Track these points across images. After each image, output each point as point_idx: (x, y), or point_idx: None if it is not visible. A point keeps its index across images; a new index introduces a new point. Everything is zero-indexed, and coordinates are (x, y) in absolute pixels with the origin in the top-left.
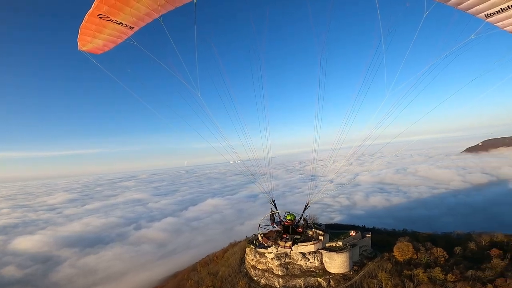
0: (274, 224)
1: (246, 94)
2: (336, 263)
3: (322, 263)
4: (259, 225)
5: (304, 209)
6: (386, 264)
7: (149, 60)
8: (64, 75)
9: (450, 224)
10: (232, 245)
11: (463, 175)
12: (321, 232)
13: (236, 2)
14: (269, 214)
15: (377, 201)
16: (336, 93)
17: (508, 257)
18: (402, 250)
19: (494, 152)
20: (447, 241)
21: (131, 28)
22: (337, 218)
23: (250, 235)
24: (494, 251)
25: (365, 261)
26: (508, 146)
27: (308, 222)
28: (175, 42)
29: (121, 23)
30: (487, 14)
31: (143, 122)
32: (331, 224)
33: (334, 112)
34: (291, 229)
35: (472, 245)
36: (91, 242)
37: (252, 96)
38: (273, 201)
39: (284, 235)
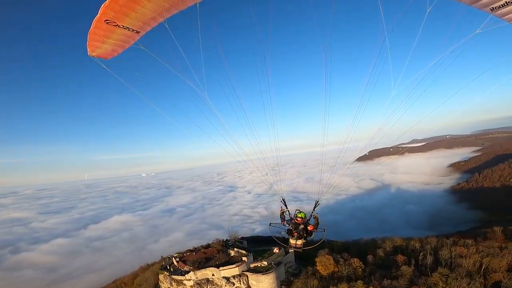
0: (285, 222)
1: (251, 94)
2: (264, 285)
3: (249, 286)
4: (270, 223)
5: (314, 207)
6: (312, 280)
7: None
8: None
9: (353, 229)
10: (144, 268)
11: (357, 181)
12: (244, 252)
13: (239, 2)
14: (279, 212)
15: (292, 209)
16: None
17: (413, 262)
18: (324, 264)
19: (378, 160)
20: (358, 249)
21: (137, 32)
22: (258, 229)
23: (166, 254)
24: (400, 258)
25: (291, 278)
26: (388, 155)
27: (319, 220)
28: (181, 44)
29: (128, 28)
30: (493, 7)
31: (27, 129)
32: (253, 237)
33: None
34: (302, 227)
35: (380, 252)
36: None
37: (258, 95)
38: (283, 199)
39: (295, 233)
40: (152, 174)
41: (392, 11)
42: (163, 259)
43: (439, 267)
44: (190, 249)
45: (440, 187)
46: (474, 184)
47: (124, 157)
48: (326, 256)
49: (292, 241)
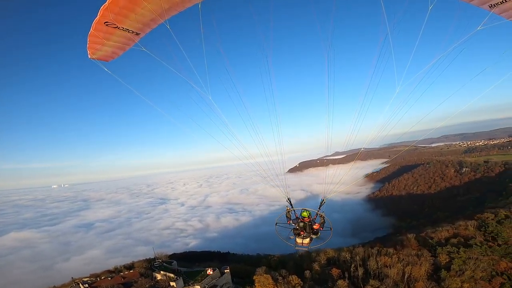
0: (291, 222)
1: (255, 94)
2: None
3: None
4: (276, 223)
5: (320, 205)
6: None
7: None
8: None
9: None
10: None
11: (289, 192)
12: (172, 276)
13: (240, 2)
14: (285, 211)
15: (228, 221)
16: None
17: (346, 275)
18: (263, 284)
19: (307, 172)
20: (295, 263)
21: (137, 34)
22: (192, 243)
23: (79, 274)
24: (334, 271)
25: None
26: (315, 167)
27: (325, 218)
28: (182, 45)
29: (128, 29)
30: (491, 4)
31: None
32: (186, 253)
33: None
34: (308, 226)
35: (316, 265)
36: None
37: (262, 95)
38: (288, 199)
39: (302, 232)
40: (65, 185)
41: (393, 10)
42: (73, 280)
43: (370, 279)
44: (109, 270)
45: (358, 196)
46: (385, 193)
47: (31, 167)
48: (264, 275)
49: (298, 240)
